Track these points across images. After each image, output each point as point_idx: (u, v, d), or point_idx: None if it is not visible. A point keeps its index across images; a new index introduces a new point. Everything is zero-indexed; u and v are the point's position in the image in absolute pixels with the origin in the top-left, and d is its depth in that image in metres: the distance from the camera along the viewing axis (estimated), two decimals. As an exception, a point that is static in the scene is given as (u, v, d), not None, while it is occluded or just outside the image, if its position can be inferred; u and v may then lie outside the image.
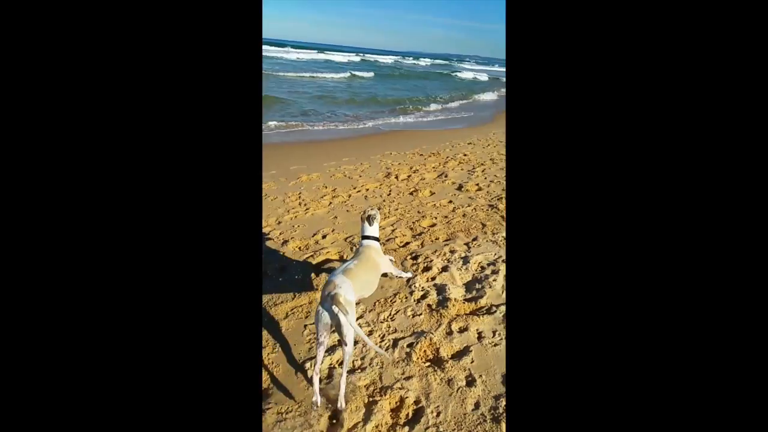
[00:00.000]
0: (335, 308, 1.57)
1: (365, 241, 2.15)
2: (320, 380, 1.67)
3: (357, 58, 37.85)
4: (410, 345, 1.93)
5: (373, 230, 2.18)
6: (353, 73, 21.41)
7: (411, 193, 4.21)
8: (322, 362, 1.75)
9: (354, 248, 2.95)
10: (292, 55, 32.09)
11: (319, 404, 1.59)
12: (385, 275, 2.31)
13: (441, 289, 2.37)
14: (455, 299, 2.28)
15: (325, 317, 1.60)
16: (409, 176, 4.80)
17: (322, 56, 35.81)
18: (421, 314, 2.17)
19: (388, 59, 45.66)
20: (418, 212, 3.68)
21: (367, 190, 4.30)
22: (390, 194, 4.18)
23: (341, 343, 1.61)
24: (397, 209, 3.74)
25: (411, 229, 3.32)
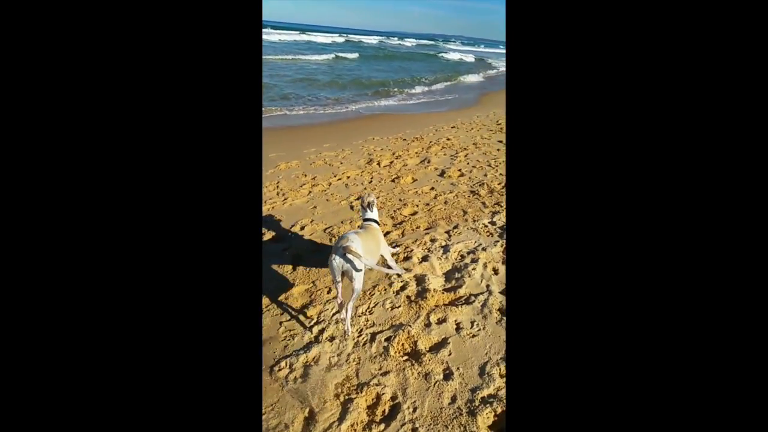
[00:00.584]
0: (349, 255, 1.82)
1: (367, 223, 2.30)
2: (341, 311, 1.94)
3: (341, 39, 36.79)
4: (388, 339, 1.90)
5: (373, 214, 2.34)
6: (338, 54, 20.83)
7: (393, 180, 4.14)
8: (339, 295, 1.96)
9: (333, 239, 2.90)
10: (274, 36, 30.91)
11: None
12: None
13: (420, 280, 2.34)
14: (434, 290, 2.25)
15: (339, 264, 1.86)
16: (391, 162, 4.72)
17: (304, 37, 34.66)
18: (399, 306, 2.14)
19: (373, 40, 44.63)
20: (400, 200, 3.62)
21: (348, 177, 4.21)
22: (371, 182, 4.10)
23: (350, 281, 1.90)
24: (378, 197, 3.67)
25: (392, 217, 3.27)
